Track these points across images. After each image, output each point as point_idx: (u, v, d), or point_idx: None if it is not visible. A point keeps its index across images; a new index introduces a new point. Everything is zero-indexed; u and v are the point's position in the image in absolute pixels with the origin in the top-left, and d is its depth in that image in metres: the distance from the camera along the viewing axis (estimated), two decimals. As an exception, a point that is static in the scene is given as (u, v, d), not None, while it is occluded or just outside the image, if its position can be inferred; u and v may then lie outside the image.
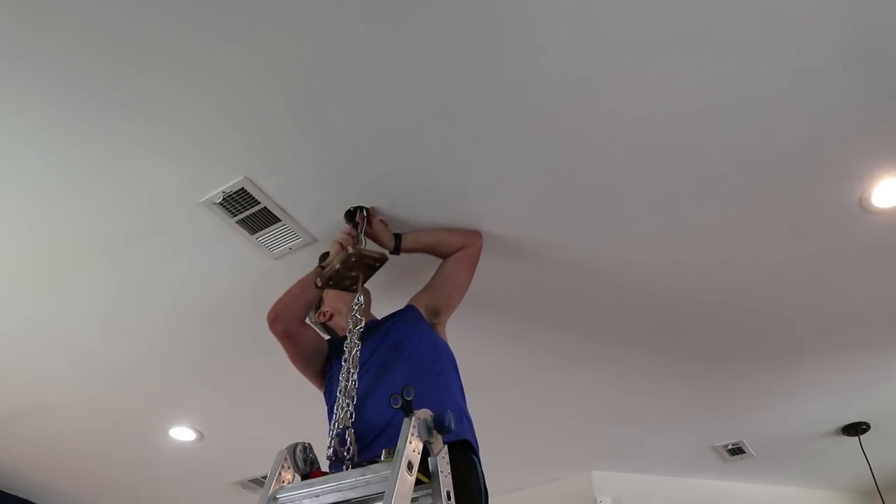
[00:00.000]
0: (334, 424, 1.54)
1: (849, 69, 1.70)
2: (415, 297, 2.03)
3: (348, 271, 1.84)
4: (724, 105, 1.79)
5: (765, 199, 2.07)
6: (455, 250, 2.08)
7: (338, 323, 2.04)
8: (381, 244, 2.02)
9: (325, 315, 2.06)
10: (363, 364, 1.74)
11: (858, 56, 1.67)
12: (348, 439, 1.48)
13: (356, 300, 1.79)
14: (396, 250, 2.03)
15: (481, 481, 1.56)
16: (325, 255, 2.04)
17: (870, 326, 2.61)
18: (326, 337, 2.04)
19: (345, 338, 1.89)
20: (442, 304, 1.99)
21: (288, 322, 1.87)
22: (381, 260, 1.86)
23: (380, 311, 2.06)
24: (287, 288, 1.93)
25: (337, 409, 1.56)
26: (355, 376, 1.61)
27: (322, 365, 1.93)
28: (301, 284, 1.93)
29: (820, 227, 2.16)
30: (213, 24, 1.59)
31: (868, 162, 1.95)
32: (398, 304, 2.03)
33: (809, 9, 1.57)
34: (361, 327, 1.72)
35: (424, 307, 1.97)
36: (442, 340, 1.92)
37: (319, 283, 1.86)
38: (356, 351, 1.66)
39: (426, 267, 2.14)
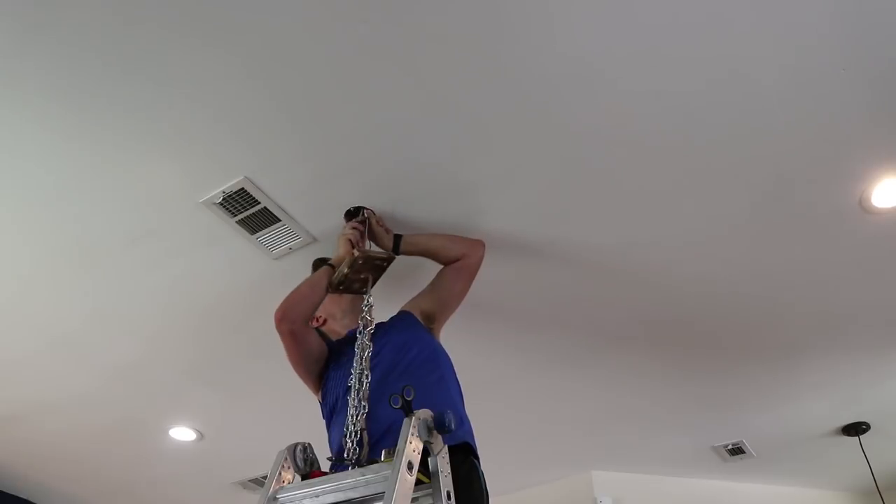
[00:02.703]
0: (347, 427, 1.53)
1: (849, 69, 1.70)
2: (410, 302, 2.02)
3: (357, 274, 1.83)
4: (724, 105, 1.79)
5: (765, 199, 2.07)
6: (455, 258, 2.05)
7: (331, 328, 2.02)
8: (380, 245, 2.01)
9: (317, 320, 2.01)
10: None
11: (858, 56, 1.67)
12: (355, 441, 1.47)
13: (366, 301, 1.78)
14: (395, 252, 2.02)
15: (483, 483, 1.56)
16: (320, 261, 2.03)
17: (870, 326, 2.62)
18: None
19: (342, 341, 1.87)
20: (437, 311, 1.98)
21: (294, 322, 1.82)
22: (389, 259, 1.85)
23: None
24: (291, 286, 1.90)
25: (350, 411, 1.55)
26: (368, 378, 1.60)
27: (321, 369, 1.92)
28: (310, 283, 1.88)
29: (820, 227, 2.16)
30: (213, 24, 1.59)
31: (868, 162, 1.95)
32: (391, 308, 2.02)
33: (810, 9, 1.57)
34: (372, 328, 1.71)
35: (420, 312, 1.96)
36: (440, 345, 1.92)
37: (330, 289, 1.85)
38: (368, 352, 1.65)
39: (417, 271, 2.14)
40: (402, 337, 1.84)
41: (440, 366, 1.80)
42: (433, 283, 2.06)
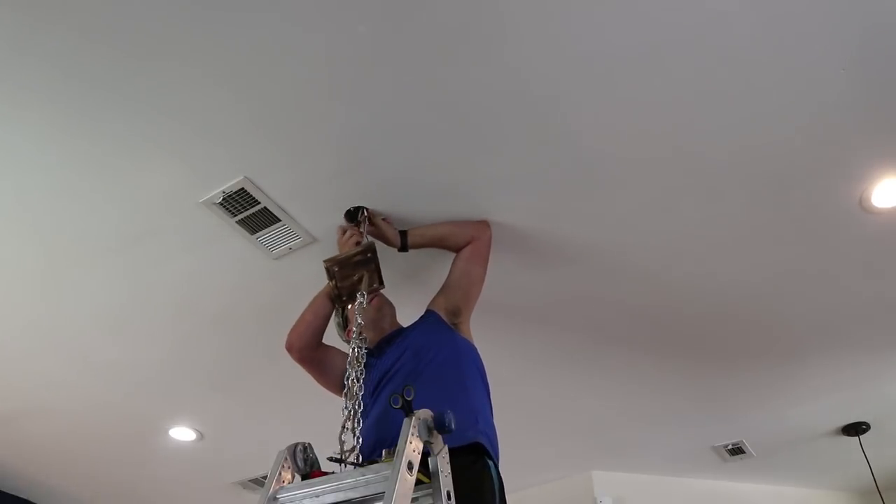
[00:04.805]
0: (342, 428, 1.53)
1: (849, 69, 1.70)
2: (433, 300, 2.00)
3: (346, 280, 1.80)
4: (724, 105, 1.79)
5: (765, 200, 2.07)
6: (464, 242, 2.04)
7: (367, 337, 2.02)
8: (387, 242, 2.01)
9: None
10: (386, 373, 1.75)
11: (858, 56, 1.67)
12: (355, 442, 1.47)
13: (357, 302, 1.77)
14: (404, 247, 2.03)
15: (495, 485, 1.52)
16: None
17: (870, 326, 2.61)
18: None
19: (370, 352, 1.85)
20: (460, 302, 1.96)
21: (302, 350, 1.91)
22: (368, 249, 1.81)
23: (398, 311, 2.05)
24: (291, 286, 1.90)
25: (342, 413, 1.55)
26: (352, 377, 1.60)
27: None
28: (313, 308, 1.92)
29: (820, 227, 2.16)
30: (213, 24, 1.59)
31: (868, 162, 1.95)
32: (414, 302, 2.02)
33: (809, 8, 1.57)
34: (361, 323, 1.70)
35: (444, 309, 1.93)
36: (463, 341, 1.88)
37: (338, 305, 1.86)
38: (355, 348, 1.65)
39: (432, 267, 2.14)
40: (421, 341, 1.83)
41: (460, 364, 1.78)
42: (450, 276, 2.03)
